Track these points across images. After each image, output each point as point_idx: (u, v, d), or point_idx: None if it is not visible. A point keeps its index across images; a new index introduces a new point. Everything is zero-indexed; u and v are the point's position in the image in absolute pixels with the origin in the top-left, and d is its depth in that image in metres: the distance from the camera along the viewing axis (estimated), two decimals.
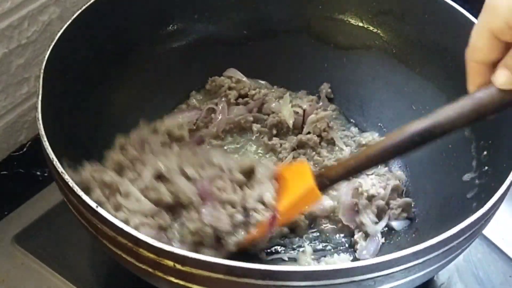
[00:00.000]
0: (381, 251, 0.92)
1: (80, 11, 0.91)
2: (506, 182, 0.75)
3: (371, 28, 1.08)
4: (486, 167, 0.87)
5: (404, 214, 0.96)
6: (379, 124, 1.08)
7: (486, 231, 0.91)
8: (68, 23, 0.90)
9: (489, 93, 0.69)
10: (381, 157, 0.78)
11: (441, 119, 0.72)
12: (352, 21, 1.09)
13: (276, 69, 1.12)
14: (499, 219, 0.82)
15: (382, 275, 0.68)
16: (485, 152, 0.88)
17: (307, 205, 0.89)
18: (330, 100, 1.12)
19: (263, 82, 1.13)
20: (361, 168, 0.81)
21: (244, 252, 0.85)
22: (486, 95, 0.69)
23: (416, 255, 0.68)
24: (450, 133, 0.72)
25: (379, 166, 1.01)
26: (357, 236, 0.94)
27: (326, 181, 0.83)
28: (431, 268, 0.73)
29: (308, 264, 0.91)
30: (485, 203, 0.73)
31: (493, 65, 0.69)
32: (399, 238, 0.94)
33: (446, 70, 0.99)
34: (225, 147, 1.05)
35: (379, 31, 1.08)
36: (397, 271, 0.68)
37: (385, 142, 0.77)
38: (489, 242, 0.97)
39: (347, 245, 0.95)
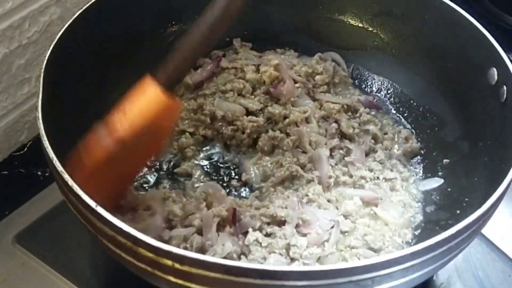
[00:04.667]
0: None
1: (80, 11, 0.92)
2: (505, 182, 0.75)
3: (371, 28, 1.09)
4: (485, 168, 0.87)
5: None
6: None
7: (485, 231, 0.91)
8: (68, 23, 0.90)
9: None
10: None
11: None
12: (352, 22, 1.10)
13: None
14: (498, 218, 0.83)
15: (380, 275, 0.68)
16: (483, 153, 0.89)
17: (153, 106, 0.84)
18: None
19: None
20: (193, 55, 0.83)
21: None
22: None
23: (414, 255, 0.68)
24: None
25: None
26: None
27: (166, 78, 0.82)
28: (430, 268, 0.73)
29: None
30: (483, 203, 0.73)
31: None
32: None
33: (445, 70, 0.99)
34: None
35: (378, 32, 1.08)
36: (395, 271, 0.68)
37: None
38: (488, 241, 0.97)
39: None
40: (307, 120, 1.04)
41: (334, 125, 1.02)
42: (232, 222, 0.88)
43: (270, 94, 1.06)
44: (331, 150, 1.00)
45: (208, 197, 0.92)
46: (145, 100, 0.82)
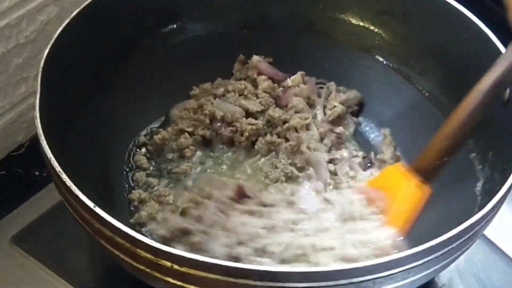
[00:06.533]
0: None
1: (78, 10, 0.91)
2: (507, 183, 0.75)
3: (371, 28, 1.08)
4: (488, 168, 0.87)
5: None
6: (379, 124, 1.08)
7: (487, 232, 0.91)
8: (66, 22, 0.89)
9: None
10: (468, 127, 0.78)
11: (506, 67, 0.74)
12: (353, 21, 1.09)
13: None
14: (501, 220, 0.82)
15: (381, 277, 0.67)
16: (485, 153, 0.88)
17: (421, 205, 0.84)
18: None
19: None
20: (455, 145, 0.79)
21: None
22: None
23: (415, 256, 0.68)
24: None
25: None
26: None
27: (426, 173, 0.81)
28: (431, 269, 0.73)
29: None
30: (486, 204, 0.73)
31: None
32: None
33: (447, 70, 0.99)
34: None
35: (379, 31, 1.08)
36: (396, 273, 0.68)
37: (466, 108, 0.77)
38: (491, 243, 0.97)
39: None
40: (307, 127, 1.04)
41: (335, 134, 1.03)
42: (238, 196, 0.87)
43: (273, 97, 1.06)
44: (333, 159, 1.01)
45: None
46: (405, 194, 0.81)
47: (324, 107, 1.08)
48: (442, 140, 0.80)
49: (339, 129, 1.04)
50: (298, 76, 1.09)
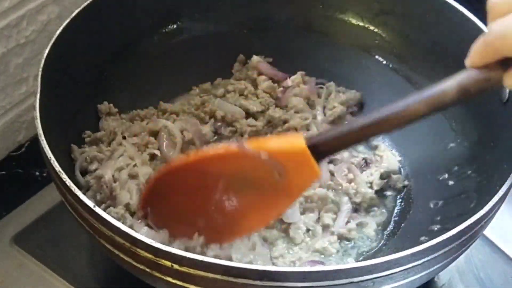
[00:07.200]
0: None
1: (78, 10, 0.91)
2: (507, 183, 0.75)
3: (372, 27, 1.08)
4: (487, 168, 0.86)
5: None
6: None
7: (487, 232, 0.91)
8: (66, 22, 0.89)
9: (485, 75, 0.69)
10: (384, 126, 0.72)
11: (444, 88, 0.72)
12: (353, 21, 1.09)
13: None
14: (500, 220, 0.82)
15: (381, 276, 0.67)
16: (485, 153, 0.88)
17: (309, 185, 0.82)
18: None
19: None
20: (359, 139, 0.75)
21: None
22: (481, 77, 0.69)
23: (415, 256, 0.68)
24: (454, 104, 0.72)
25: None
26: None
27: (322, 153, 0.75)
28: (431, 269, 0.72)
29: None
30: (485, 204, 0.73)
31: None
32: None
33: (447, 70, 0.98)
34: None
35: (380, 31, 1.07)
36: (396, 272, 0.68)
37: (387, 111, 0.71)
38: (490, 243, 0.97)
39: None
40: (307, 128, 1.04)
41: None
42: None
43: (274, 97, 1.07)
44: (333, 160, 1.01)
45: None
46: (283, 145, 0.77)
47: (324, 107, 1.08)
48: (361, 130, 0.73)
49: None
50: (298, 76, 1.09)
